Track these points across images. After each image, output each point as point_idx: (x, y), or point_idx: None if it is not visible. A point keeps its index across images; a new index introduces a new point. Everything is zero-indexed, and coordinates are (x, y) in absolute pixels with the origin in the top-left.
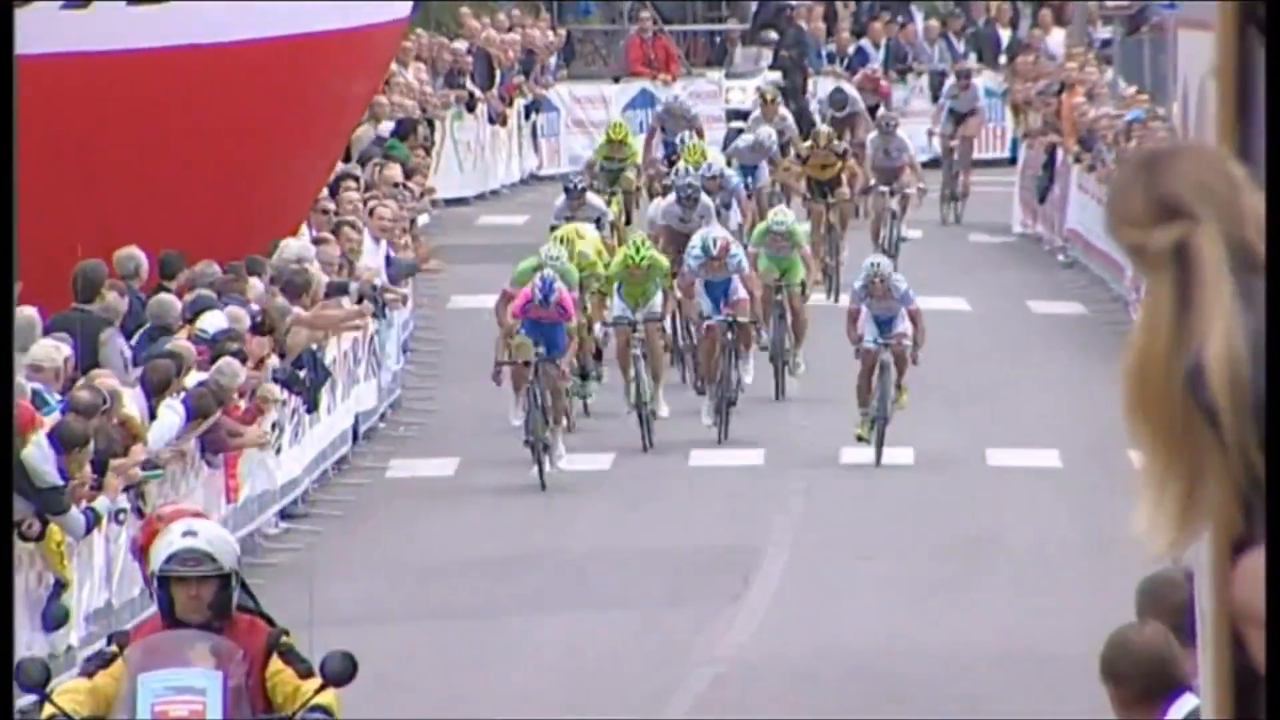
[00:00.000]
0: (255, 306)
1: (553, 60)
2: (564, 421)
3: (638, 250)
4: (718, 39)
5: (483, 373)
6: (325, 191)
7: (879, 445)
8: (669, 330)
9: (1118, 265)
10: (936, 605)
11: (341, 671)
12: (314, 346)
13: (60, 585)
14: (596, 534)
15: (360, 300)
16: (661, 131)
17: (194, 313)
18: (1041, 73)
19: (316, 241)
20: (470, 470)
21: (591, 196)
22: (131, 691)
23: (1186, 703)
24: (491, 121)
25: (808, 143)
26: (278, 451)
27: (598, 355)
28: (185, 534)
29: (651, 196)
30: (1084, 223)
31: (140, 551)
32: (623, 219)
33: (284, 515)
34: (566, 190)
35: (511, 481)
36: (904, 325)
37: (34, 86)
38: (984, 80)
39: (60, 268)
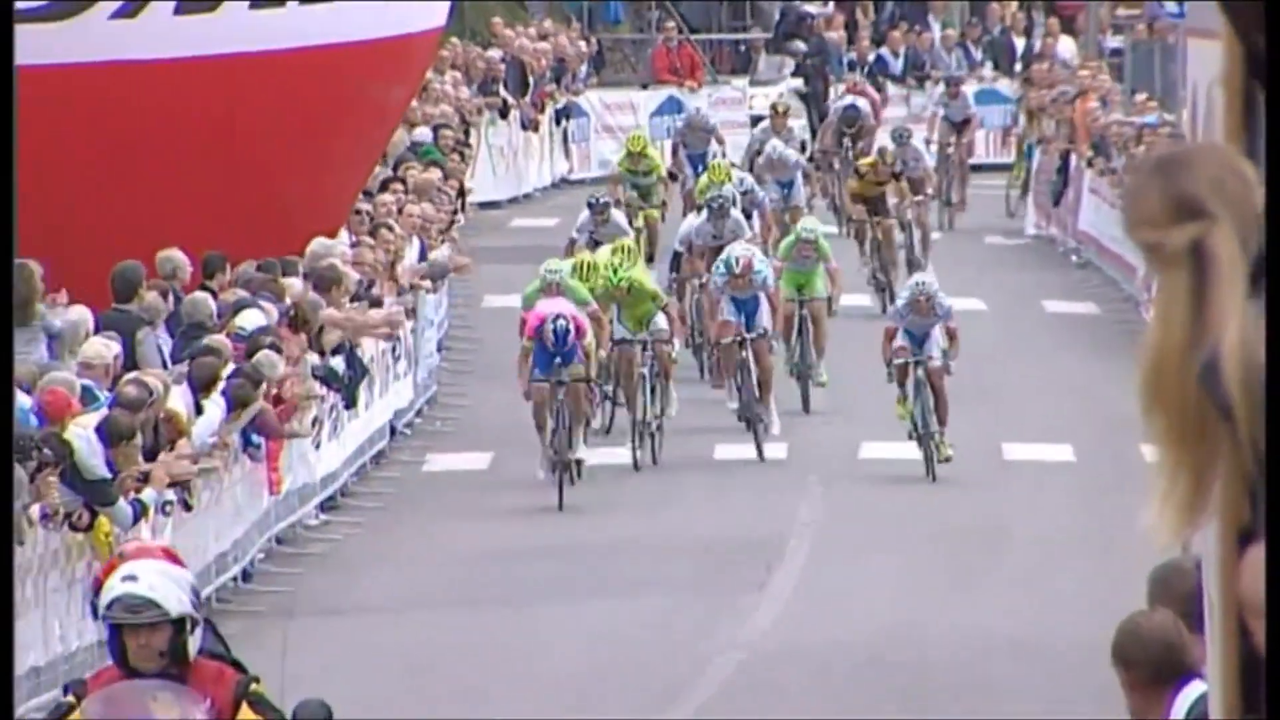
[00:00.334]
0: (289, 302)
1: (583, 68)
2: (587, 424)
3: (615, 272)
4: (742, 47)
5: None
6: (362, 195)
7: (928, 461)
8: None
9: (1129, 266)
10: (953, 594)
11: None
12: (350, 345)
13: None
14: (623, 525)
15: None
16: (684, 146)
17: (233, 312)
18: (1055, 80)
19: (355, 244)
20: (503, 464)
21: (615, 214)
22: None
23: (1195, 689)
24: (524, 127)
25: (870, 160)
26: (318, 446)
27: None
28: (125, 579)
29: (685, 212)
30: (1096, 225)
31: (97, 591)
32: (645, 237)
33: (324, 507)
34: (590, 206)
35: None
36: (938, 341)
37: (83, 94)
38: (1000, 87)
39: (108, 269)
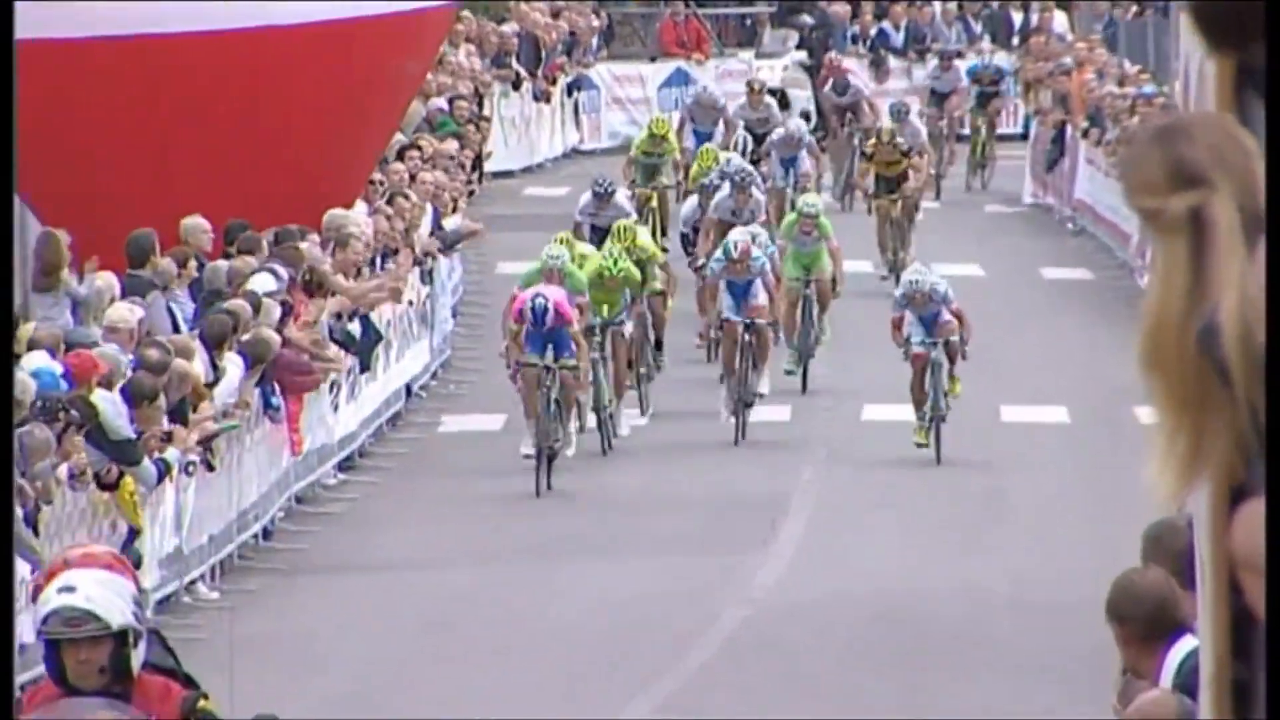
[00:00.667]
0: (305, 265)
1: (594, 41)
2: (575, 421)
3: (615, 263)
4: (748, 21)
5: None
6: (379, 166)
7: (938, 444)
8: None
9: (1123, 233)
10: (952, 551)
11: None
12: (364, 312)
13: (134, 532)
14: (633, 485)
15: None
16: (691, 122)
17: (245, 277)
18: (1052, 53)
19: (371, 212)
20: (516, 426)
21: (619, 198)
22: None
23: (1186, 643)
24: (536, 99)
25: (872, 140)
26: (336, 408)
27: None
28: (61, 590)
29: (687, 194)
30: (1091, 193)
31: (35, 598)
32: (657, 220)
33: (342, 467)
34: (595, 192)
35: None
36: (949, 320)
37: (112, 67)
38: (1000, 59)
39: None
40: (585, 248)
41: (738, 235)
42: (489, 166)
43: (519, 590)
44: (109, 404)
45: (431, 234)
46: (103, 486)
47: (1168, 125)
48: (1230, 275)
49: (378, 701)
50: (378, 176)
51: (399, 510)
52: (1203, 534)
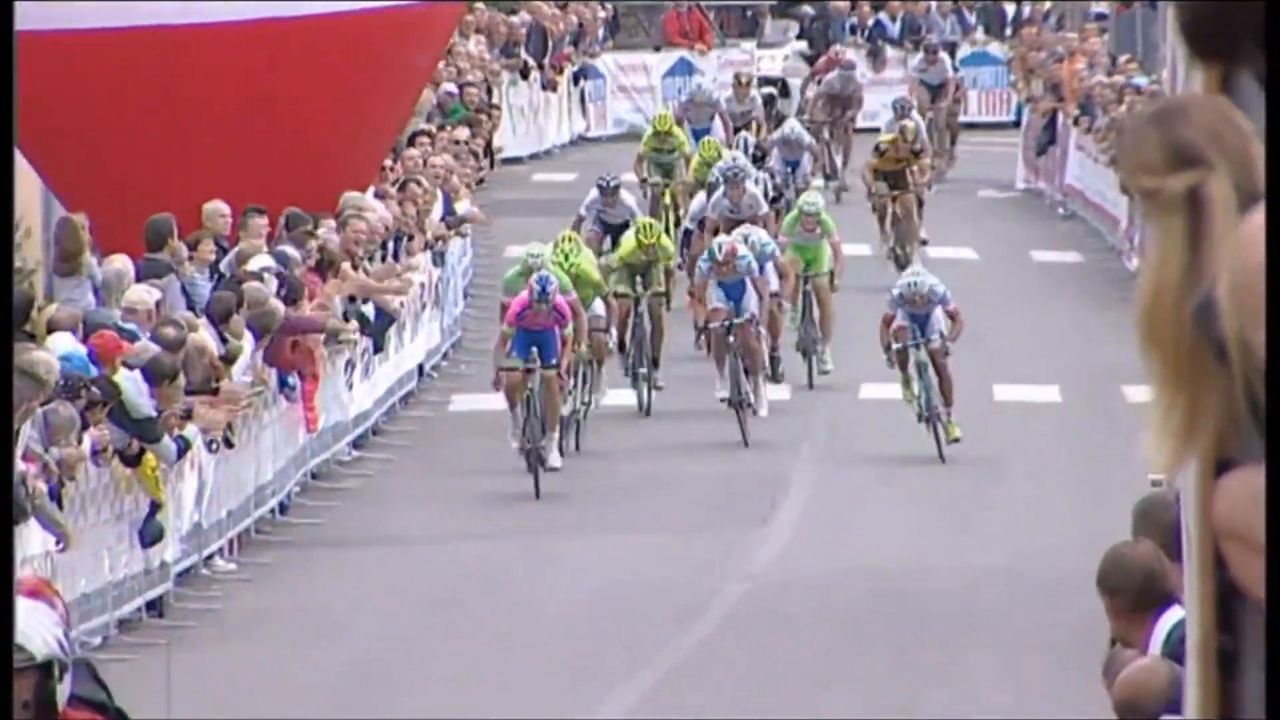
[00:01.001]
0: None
1: (600, 32)
2: (558, 431)
3: (649, 228)
4: (749, 12)
5: None
6: (391, 154)
7: (937, 440)
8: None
9: (1112, 218)
10: (948, 526)
11: None
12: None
13: (155, 507)
14: (636, 463)
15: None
16: (688, 121)
17: (245, 258)
18: (1044, 42)
19: (380, 196)
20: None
21: (624, 195)
22: None
23: (1174, 614)
24: (543, 88)
25: (889, 136)
26: (350, 387)
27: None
28: None
29: (692, 191)
30: (1082, 179)
31: None
32: (672, 218)
33: (356, 444)
34: (600, 188)
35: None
36: (939, 324)
37: (131, 57)
38: (993, 49)
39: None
40: (586, 251)
41: (725, 237)
42: (498, 153)
43: (526, 565)
44: (131, 383)
45: (442, 219)
46: (125, 462)
47: (1166, 107)
48: (1226, 253)
49: (389, 673)
50: (390, 163)
51: (411, 486)
52: (1189, 507)
